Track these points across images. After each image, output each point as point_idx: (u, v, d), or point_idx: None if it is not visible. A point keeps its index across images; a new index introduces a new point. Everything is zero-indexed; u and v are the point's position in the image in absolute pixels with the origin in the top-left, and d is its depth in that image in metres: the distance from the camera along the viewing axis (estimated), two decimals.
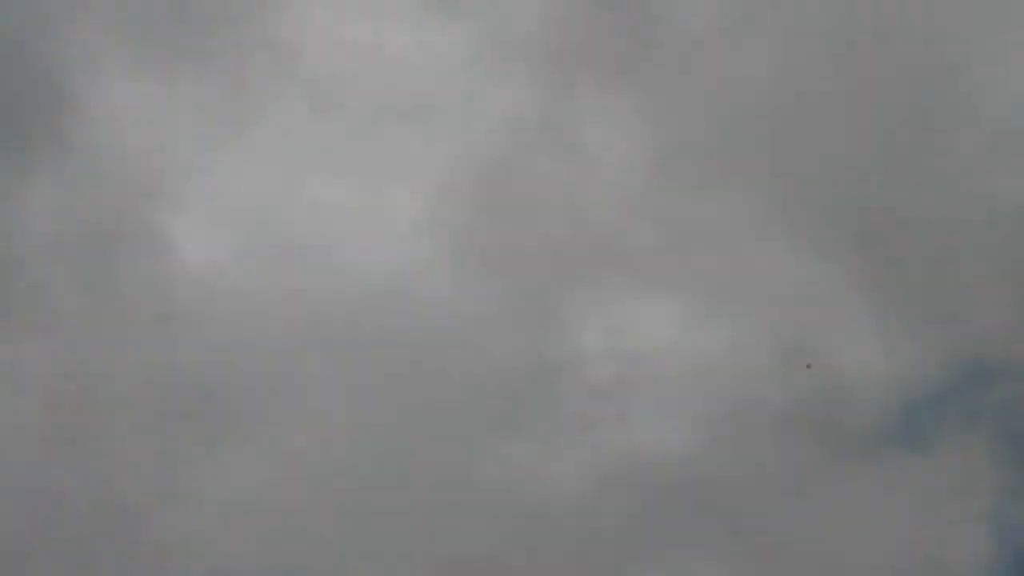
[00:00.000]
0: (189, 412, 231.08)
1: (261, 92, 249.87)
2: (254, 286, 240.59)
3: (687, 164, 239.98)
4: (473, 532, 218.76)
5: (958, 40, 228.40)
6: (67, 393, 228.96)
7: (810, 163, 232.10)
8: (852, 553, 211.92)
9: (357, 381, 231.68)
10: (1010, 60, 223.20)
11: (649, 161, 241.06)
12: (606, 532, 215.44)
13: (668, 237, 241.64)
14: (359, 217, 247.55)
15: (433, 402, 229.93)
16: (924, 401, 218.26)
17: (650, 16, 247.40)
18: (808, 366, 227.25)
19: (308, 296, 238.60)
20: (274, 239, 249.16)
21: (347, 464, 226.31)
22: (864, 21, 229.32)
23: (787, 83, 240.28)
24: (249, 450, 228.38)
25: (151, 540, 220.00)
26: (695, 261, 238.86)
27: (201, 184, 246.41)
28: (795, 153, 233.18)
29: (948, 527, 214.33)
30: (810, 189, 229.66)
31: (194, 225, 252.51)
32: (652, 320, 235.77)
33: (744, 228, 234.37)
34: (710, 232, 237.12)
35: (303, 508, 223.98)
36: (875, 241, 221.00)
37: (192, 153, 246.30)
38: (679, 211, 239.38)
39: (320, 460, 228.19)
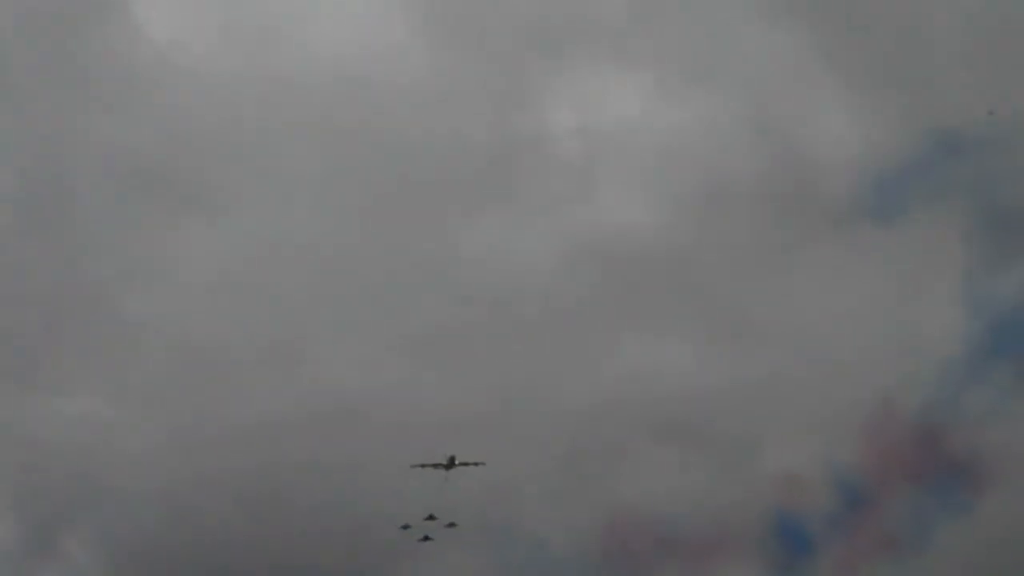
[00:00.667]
0: (155, 188, 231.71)
1: None
2: (222, 65, 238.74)
3: None
4: (439, 308, 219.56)
5: None
6: (33, 170, 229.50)
7: None
8: (821, 327, 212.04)
9: (325, 161, 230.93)
10: None
11: None
12: (571, 309, 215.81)
13: (638, 11, 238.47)
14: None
15: (401, 181, 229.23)
16: (895, 173, 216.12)
17: None
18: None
19: (278, 75, 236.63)
20: (241, 18, 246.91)
21: (315, 243, 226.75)
22: None
23: None
24: (216, 228, 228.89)
25: (119, 318, 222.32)
26: (664, 36, 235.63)
27: None
28: None
29: (919, 299, 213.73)
30: None
31: (162, 2, 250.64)
32: (620, 96, 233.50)
33: (719, 6, 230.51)
34: (680, 5, 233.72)
35: (272, 286, 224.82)
36: (845, 10, 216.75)
37: None
38: None
39: (288, 240, 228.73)
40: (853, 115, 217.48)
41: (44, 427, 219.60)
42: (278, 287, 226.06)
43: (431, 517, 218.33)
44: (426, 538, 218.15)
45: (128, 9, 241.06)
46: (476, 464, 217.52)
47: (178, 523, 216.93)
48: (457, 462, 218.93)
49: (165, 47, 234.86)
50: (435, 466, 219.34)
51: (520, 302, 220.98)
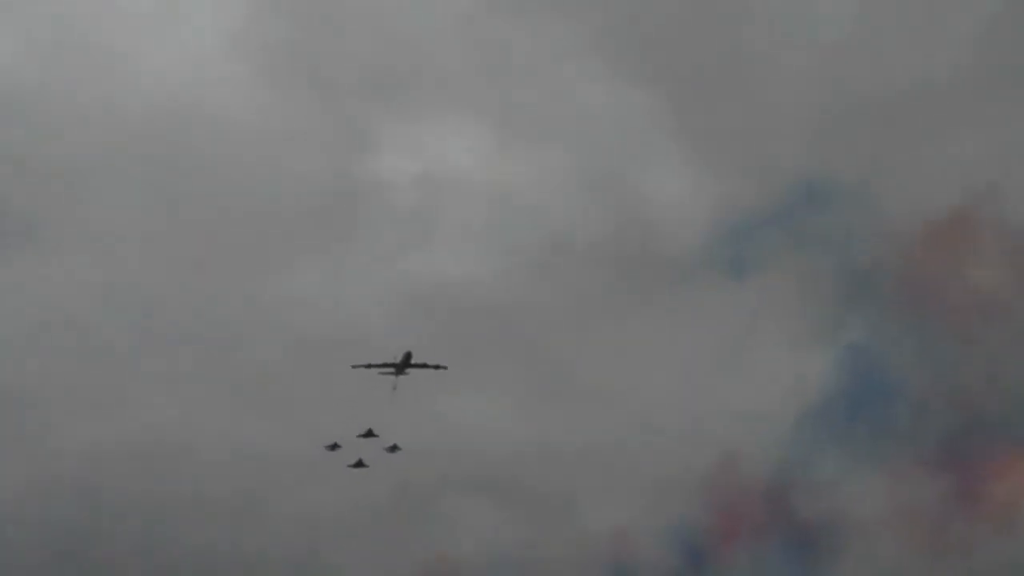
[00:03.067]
0: None
1: None
2: (52, 95, 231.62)
3: None
4: (268, 351, 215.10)
5: None
6: None
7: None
8: (659, 385, 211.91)
9: (153, 198, 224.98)
10: None
11: None
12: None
13: (483, 62, 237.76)
14: (166, 28, 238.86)
15: (234, 221, 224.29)
16: (739, 230, 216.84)
17: None
18: None
19: (108, 105, 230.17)
20: (71, 42, 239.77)
21: (144, 281, 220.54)
22: None
23: None
24: (42, 264, 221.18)
25: None
26: (509, 87, 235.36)
27: None
28: None
29: (765, 357, 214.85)
30: (624, 20, 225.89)
31: None
32: (462, 145, 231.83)
33: (560, 56, 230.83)
34: (526, 59, 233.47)
35: (93, 327, 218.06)
36: (689, 71, 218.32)
37: None
38: (497, 36, 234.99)
39: (116, 278, 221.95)
40: (697, 172, 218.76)
41: None
42: (103, 326, 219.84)
43: (369, 433, 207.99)
44: (360, 464, 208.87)
45: None
46: (436, 367, 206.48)
47: None
48: (413, 361, 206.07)
49: None
50: (384, 366, 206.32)
51: (350, 348, 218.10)
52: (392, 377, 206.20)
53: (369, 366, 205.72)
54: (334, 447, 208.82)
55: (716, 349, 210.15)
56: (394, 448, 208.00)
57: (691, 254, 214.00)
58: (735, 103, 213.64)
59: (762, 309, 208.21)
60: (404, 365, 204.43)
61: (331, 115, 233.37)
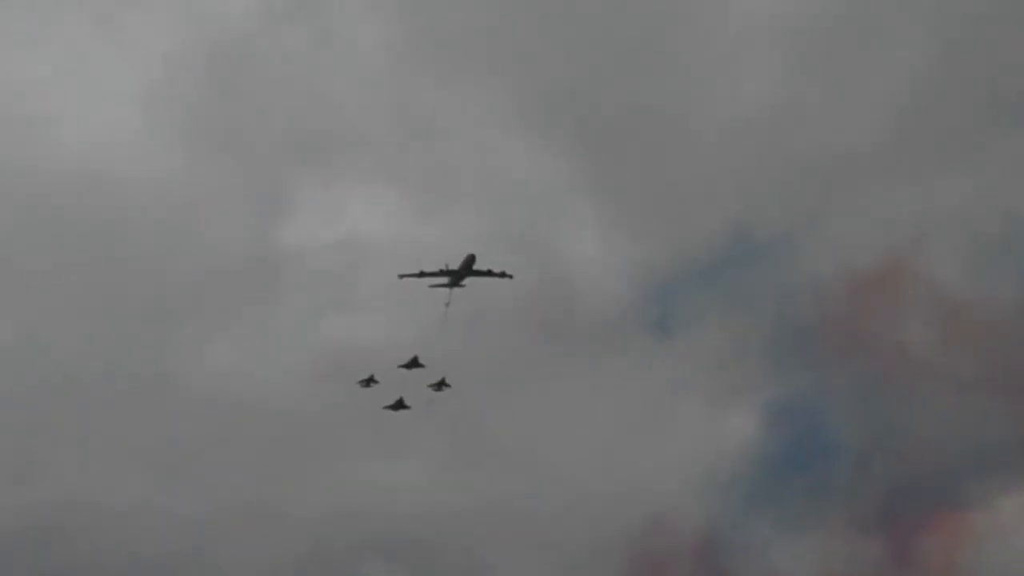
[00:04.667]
0: None
1: None
2: None
3: (434, 53, 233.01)
4: (183, 418, 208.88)
5: None
6: None
7: (550, 63, 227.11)
8: (581, 447, 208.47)
9: (65, 262, 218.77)
10: None
11: (397, 48, 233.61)
12: (317, 420, 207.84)
13: (404, 126, 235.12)
14: (78, 89, 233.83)
15: (149, 288, 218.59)
16: (669, 286, 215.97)
17: None
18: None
19: (20, 168, 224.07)
20: None
21: (48, 353, 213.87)
22: None
23: None
24: None
25: None
26: (429, 151, 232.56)
27: None
28: (537, 51, 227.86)
29: (693, 417, 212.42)
30: (544, 84, 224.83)
31: None
32: (381, 209, 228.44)
33: (480, 119, 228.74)
34: (446, 122, 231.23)
35: (7, 391, 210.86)
36: (612, 133, 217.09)
37: None
38: (417, 100, 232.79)
39: (29, 343, 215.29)
40: (620, 232, 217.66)
41: None
42: (14, 389, 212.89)
43: (414, 363, 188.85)
44: (400, 405, 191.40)
45: None
46: (502, 275, 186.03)
47: None
48: (475, 268, 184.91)
49: None
50: (439, 275, 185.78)
51: (267, 412, 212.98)
52: (445, 291, 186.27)
53: (421, 274, 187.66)
54: (369, 382, 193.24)
55: (641, 409, 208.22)
56: (441, 385, 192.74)
57: (614, 314, 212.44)
58: (657, 163, 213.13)
59: (688, 368, 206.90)
60: (463, 273, 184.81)
61: (249, 179, 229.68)
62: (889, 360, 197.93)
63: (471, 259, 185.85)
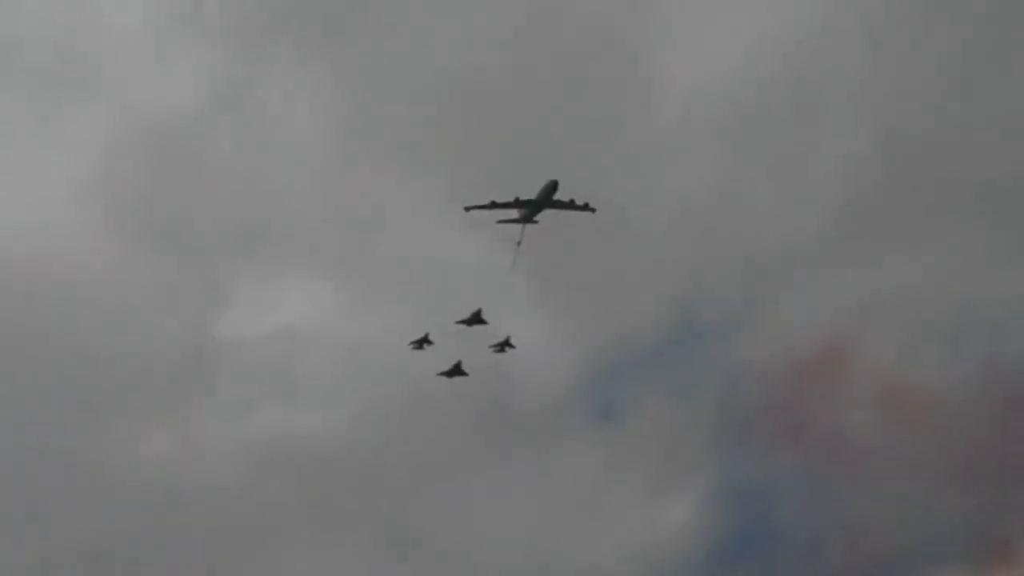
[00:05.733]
0: None
1: None
2: None
3: (370, 143, 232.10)
4: (117, 513, 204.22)
5: (630, 35, 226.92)
6: None
7: (488, 152, 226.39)
8: (514, 538, 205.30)
9: None
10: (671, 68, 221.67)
11: (334, 138, 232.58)
12: (253, 512, 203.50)
13: (341, 215, 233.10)
14: (9, 178, 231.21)
15: (84, 380, 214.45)
16: (609, 373, 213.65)
17: None
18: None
19: None
20: None
21: None
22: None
23: (478, 71, 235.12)
24: None
25: None
26: (366, 241, 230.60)
27: None
28: (475, 140, 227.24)
29: (633, 503, 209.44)
30: (479, 172, 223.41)
31: None
32: (319, 300, 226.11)
33: (418, 209, 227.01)
34: (383, 212, 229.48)
35: None
36: (550, 218, 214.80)
37: None
38: (354, 189, 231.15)
39: None
40: (558, 320, 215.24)
41: None
42: None
43: (476, 318, 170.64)
44: (457, 371, 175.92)
45: None
46: (584, 207, 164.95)
47: None
48: (556, 197, 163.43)
49: None
50: (510, 207, 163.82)
51: (203, 502, 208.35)
52: (517, 228, 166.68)
53: (493, 205, 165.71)
54: (422, 343, 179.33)
55: (581, 497, 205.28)
56: (505, 345, 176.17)
57: (555, 401, 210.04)
58: (599, 249, 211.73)
59: (630, 454, 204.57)
60: (541, 204, 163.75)
61: (185, 269, 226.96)
62: (834, 446, 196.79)
63: (552, 186, 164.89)
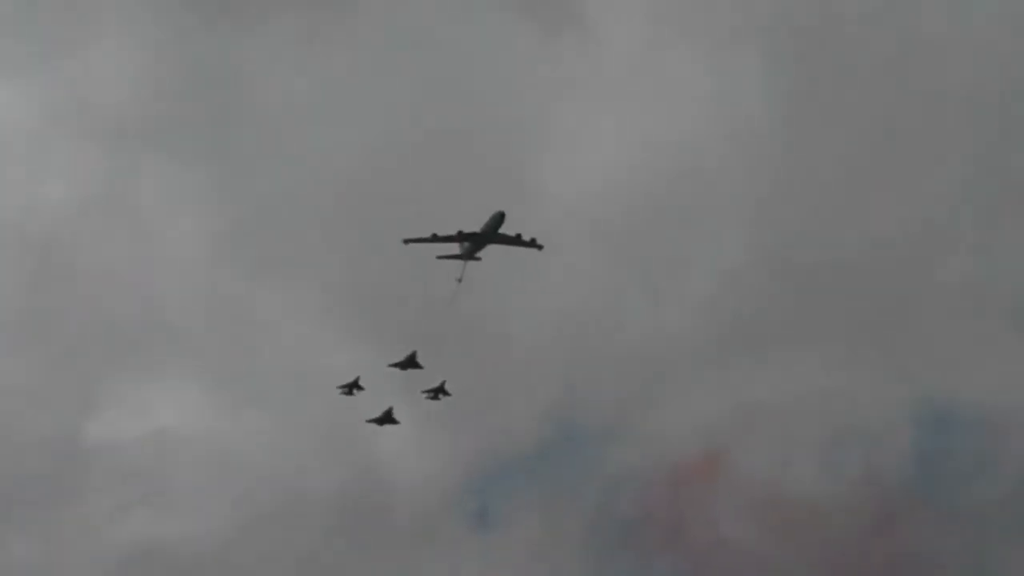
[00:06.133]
0: None
1: None
2: None
3: (247, 247, 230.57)
4: None
5: (509, 140, 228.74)
6: None
7: (366, 258, 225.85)
8: None
9: None
10: None
11: (210, 241, 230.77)
12: None
13: (216, 319, 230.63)
14: None
15: None
16: (488, 479, 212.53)
17: (230, 93, 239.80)
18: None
19: None
20: None
21: None
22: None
23: (363, 170, 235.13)
24: None
25: None
26: (241, 346, 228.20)
27: None
28: (354, 246, 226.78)
29: None
30: (362, 282, 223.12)
31: None
32: (193, 403, 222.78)
33: (292, 314, 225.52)
34: (258, 317, 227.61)
35: None
36: (431, 328, 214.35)
37: None
38: (232, 294, 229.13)
39: None
40: (436, 425, 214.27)
41: None
42: None
43: (410, 361, 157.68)
44: (388, 418, 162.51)
45: None
46: (531, 243, 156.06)
47: None
48: (502, 231, 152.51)
49: None
50: (452, 241, 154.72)
51: None
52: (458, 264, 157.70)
53: (434, 238, 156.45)
54: (351, 389, 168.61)
55: None
56: (439, 392, 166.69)
57: (430, 509, 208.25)
58: (476, 355, 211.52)
59: (505, 561, 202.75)
60: (486, 238, 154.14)
61: (56, 372, 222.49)
62: (710, 554, 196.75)
63: (499, 217, 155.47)
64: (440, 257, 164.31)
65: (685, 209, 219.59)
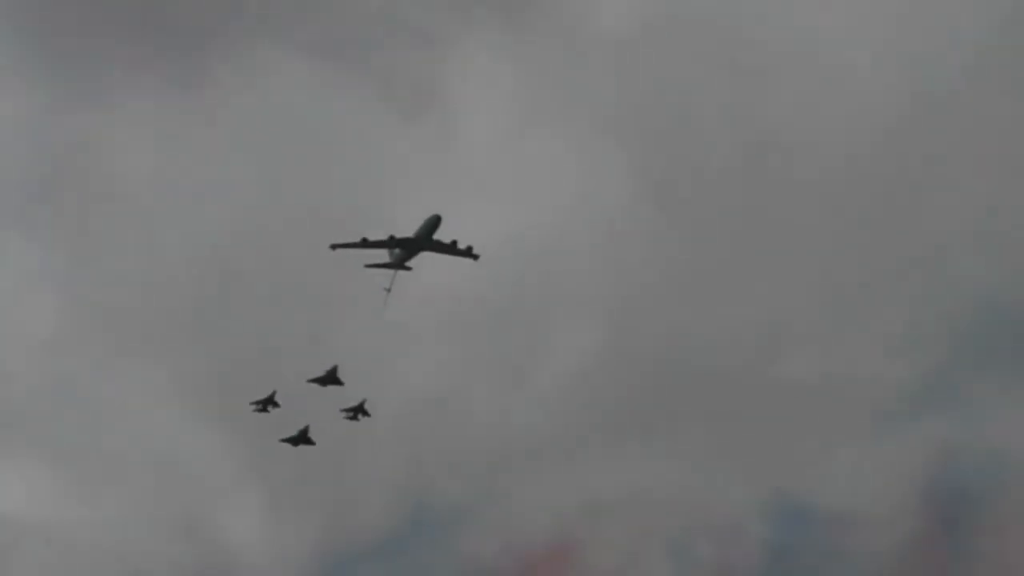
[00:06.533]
0: None
1: None
2: None
3: (98, 329, 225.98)
4: None
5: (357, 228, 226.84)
6: None
7: (220, 343, 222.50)
8: None
9: None
10: None
11: (58, 322, 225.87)
12: None
13: (58, 399, 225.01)
14: None
15: None
16: (341, 568, 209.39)
17: (83, 172, 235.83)
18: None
19: None
20: None
21: None
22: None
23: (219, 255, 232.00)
24: None
25: None
26: (89, 430, 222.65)
27: None
28: (207, 331, 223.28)
29: None
30: (215, 367, 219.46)
31: None
32: (33, 486, 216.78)
33: (137, 395, 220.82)
34: (109, 402, 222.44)
35: None
36: (282, 414, 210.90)
37: None
38: (80, 377, 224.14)
39: None
40: (285, 510, 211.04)
41: None
42: None
43: (331, 377, 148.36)
44: (303, 438, 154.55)
45: None
46: (468, 251, 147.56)
47: None
48: (436, 238, 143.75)
49: None
50: (382, 246, 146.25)
51: None
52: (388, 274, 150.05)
53: (364, 243, 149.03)
54: (266, 406, 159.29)
55: None
56: (358, 412, 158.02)
57: None
58: (326, 441, 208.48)
59: None
60: (419, 245, 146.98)
61: None
62: None
63: (435, 221, 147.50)
64: (368, 266, 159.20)
65: (543, 298, 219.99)
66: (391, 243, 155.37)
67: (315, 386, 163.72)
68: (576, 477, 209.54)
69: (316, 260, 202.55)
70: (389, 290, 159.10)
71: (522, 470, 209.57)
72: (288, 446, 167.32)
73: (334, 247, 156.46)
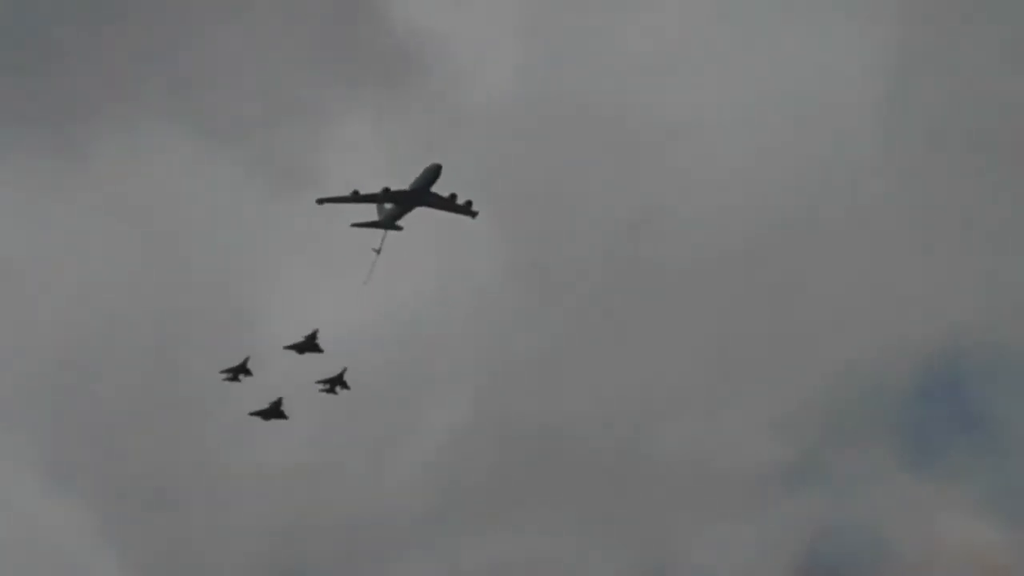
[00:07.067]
0: None
1: None
2: None
3: None
4: None
5: (237, 303, 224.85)
6: None
7: (85, 418, 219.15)
8: None
9: None
10: None
11: None
12: None
13: None
14: None
15: None
16: None
17: None
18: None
19: None
20: None
21: None
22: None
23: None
24: None
25: None
26: None
27: None
28: (74, 406, 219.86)
29: None
30: (79, 443, 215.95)
31: None
32: None
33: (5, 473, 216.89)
34: None
35: None
36: (141, 489, 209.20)
37: None
38: None
39: None
40: None
41: None
42: None
43: (310, 343, 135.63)
44: (275, 411, 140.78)
45: None
46: (466, 207, 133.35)
47: None
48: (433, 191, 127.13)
49: None
50: (374, 199, 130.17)
51: None
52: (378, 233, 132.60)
53: (355, 197, 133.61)
54: (237, 374, 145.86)
55: None
56: (336, 383, 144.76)
57: None
58: (189, 513, 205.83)
59: None
60: (416, 197, 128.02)
61: None
62: None
63: (434, 171, 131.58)
64: (355, 225, 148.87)
65: (414, 373, 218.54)
66: (385, 197, 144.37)
67: (292, 353, 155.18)
68: (446, 550, 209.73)
69: (190, 341, 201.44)
70: (379, 251, 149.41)
71: (390, 544, 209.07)
72: (259, 419, 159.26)
73: (320, 201, 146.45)
